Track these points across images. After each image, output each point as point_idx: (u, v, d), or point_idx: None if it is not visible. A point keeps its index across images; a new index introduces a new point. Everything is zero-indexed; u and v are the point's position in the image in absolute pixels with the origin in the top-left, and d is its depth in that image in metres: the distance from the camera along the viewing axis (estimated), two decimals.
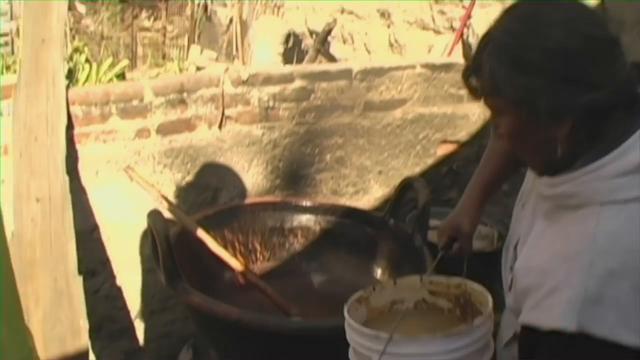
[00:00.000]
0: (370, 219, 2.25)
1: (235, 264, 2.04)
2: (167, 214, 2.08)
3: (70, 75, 5.37)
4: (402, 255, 2.11)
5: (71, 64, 5.50)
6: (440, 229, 1.68)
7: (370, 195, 2.85)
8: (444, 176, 3.00)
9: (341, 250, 2.28)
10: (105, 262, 2.36)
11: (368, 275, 2.20)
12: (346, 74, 2.64)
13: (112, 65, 5.94)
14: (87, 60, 5.97)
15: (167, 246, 1.69)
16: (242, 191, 2.54)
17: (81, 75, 5.59)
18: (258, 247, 2.28)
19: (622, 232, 0.99)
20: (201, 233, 2.02)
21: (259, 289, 2.01)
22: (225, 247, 2.17)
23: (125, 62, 6.34)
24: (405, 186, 2.11)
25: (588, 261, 0.98)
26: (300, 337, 1.59)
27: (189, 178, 2.41)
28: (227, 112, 2.43)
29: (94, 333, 2.38)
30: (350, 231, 2.27)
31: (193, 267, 2.01)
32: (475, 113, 2.93)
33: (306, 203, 2.34)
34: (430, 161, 2.95)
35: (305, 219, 2.31)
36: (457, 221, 1.63)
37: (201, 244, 2.02)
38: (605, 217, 1.00)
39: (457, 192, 3.03)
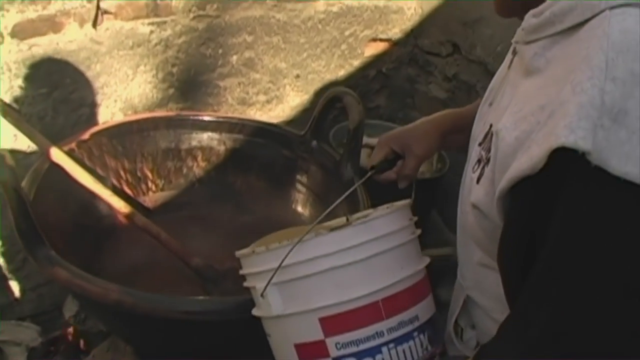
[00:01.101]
0: (287, 138, 1.83)
1: (117, 203, 1.60)
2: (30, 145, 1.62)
3: None
4: (328, 185, 1.71)
5: None
6: (380, 140, 1.30)
7: (285, 104, 2.41)
8: (372, 80, 2.59)
9: (252, 176, 1.87)
10: None
11: (286, 207, 1.81)
12: None
13: None
14: None
15: (18, 202, 1.23)
16: (126, 105, 2.06)
17: None
18: (149, 175, 1.84)
19: None
20: (75, 169, 1.56)
21: (151, 235, 1.59)
22: (106, 177, 1.74)
23: None
24: (332, 100, 1.69)
25: (602, 60, 0.70)
26: (202, 321, 1.19)
27: (57, 93, 1.90)
28: (103, 4, 1.91)
29: None
30: (263, 153, 1.86)
31: (67, 211, 1.58)
32: (412, 7, 2.51)
33: (207, 118, 1.88)
34: (356, 63, 2.52)
35: (207, 138, 1.88)
36: (407, 137, 1.24)
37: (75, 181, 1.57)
38: (618, 19, 0.73)
39: (386, 99, 2.65)
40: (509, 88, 0.91)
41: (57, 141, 1.61)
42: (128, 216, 1.60)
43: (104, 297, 1.18)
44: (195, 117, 1.88)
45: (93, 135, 1.72)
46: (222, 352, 1.25)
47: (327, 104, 1.70)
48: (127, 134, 1.79)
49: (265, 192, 1.85)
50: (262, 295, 1.00)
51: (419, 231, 1.10)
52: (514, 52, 0.94)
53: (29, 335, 1.95)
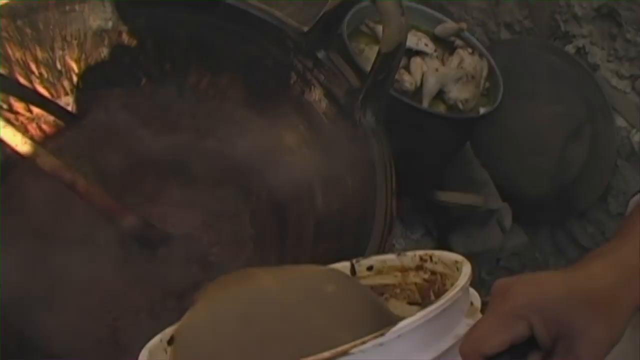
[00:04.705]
0: (281, 33, 1.25)
1: (12, 137, 1.04)
2: None
3: None
4: (334, 123, 1.19)
5: None
6: (505, 302, 0.57)
7: None
8: None
9: (224, 77, 1.32)
10: None
11: (271, 133, 1.29)
12: None
13: None
14: None
15: None
16: None
17: None
18: (74, 67, 1.27)
19: None
20: None
21: (64, 184, 1.07)
22: (9, 76, 1.18)
23: None
24: None
25: None
26: None
27: None
28: None
29: None
30: (242, 47, 1.29)
31: None
32: None
33: None
34: None
35: (162, 17, 1.29)
36: (572, 314, 0.53)
37: None
38: None
39: None
40: None
41: None
42: (29, 157, 1.06)
43: None
44: None
45: None
46: None
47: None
48: (39, 11, 1.19)
49: (242, 104, 1.31)
50: None
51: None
52: None
53: None
